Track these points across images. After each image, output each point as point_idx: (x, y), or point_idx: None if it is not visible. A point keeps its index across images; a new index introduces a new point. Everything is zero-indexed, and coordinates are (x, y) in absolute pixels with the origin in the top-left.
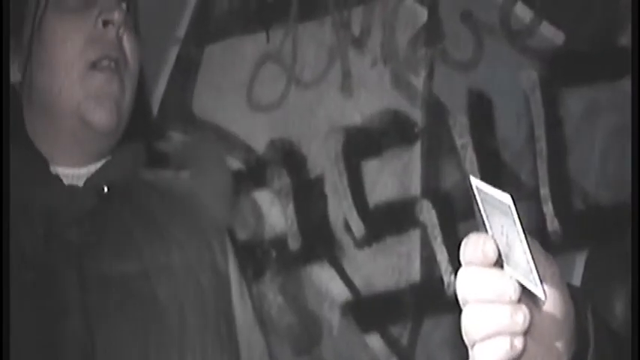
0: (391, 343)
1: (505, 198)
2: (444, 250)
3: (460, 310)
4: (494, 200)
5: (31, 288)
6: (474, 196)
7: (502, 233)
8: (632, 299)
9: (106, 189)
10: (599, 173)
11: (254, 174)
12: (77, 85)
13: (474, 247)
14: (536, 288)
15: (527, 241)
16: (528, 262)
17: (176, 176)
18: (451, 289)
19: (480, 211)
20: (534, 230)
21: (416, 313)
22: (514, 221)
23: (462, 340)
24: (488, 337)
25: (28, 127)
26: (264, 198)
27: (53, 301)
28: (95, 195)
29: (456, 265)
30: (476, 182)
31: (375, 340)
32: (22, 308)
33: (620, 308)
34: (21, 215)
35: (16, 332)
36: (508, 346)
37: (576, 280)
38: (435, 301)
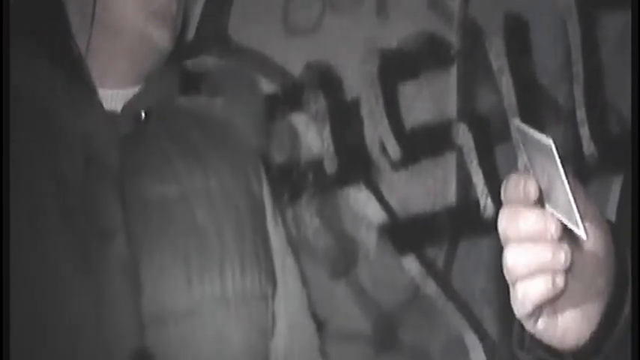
0: (427, 265)
1: (546, 139)
2: (480, 172)
3: (497, 237)
4: (534, 141)
5: (73, 213)
6: (515, 137)
7: (543, 173)
8: (633, 299)
9: (143, 114)
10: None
11: (290, 97)
12: (142, 1)
13: (515, 187)
14: (577, 227)
15: (568, 181)
16: (570, 202)
17: (210, 102)
18: (487, 211)
19: (520, 151)
20: (571, 153)
21: (452, 235)
22: (555, 162)
23: (499, 265)
24: (530, 274)
25: (80, 44)
26: (300, 121)
27: (96, 226)
28: (133, 120)
29: (492, 187)
30: (517, 124)
31: (411, 263)
32: (64, 232)
33: None
34: (61, 139)
35: (60, 256)
36: (550, 284)
37: (612, 204)
38: (471, 223)
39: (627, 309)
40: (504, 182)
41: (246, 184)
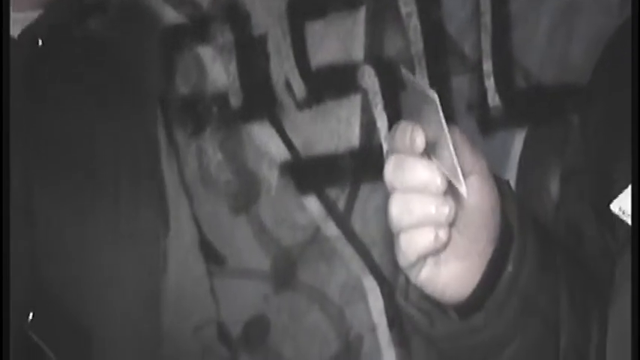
0: (328, 206)
1: (431, 93)
2: (385, 117)
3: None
4: (420, 93)
5: None
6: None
7: (429, 125)
8: (632, 298)
9: (40, 42)
10: (543, 52)
11: (198, 29)
12: None
13: (402, 135)
14: (459, 183)
15: (451, 136)
16: (452, 158)
17: (106, 36)
18: None
19: (408, 102)
20: (475, 104)
21: (354, 178)
22: (439, 116)
23: None
24: (414, 226)
25: None
26: (206, 53)
27: None
28: (30, 48)
29: None
30: (404, 73)
31: (312, 202)
32: None
33: (554, 188)
34: None
35: None
36: (432, 237)
37: (514, 158)
38: (373, 167)
39: (510, 267)
40: (392, 129)
41: (143, 123)
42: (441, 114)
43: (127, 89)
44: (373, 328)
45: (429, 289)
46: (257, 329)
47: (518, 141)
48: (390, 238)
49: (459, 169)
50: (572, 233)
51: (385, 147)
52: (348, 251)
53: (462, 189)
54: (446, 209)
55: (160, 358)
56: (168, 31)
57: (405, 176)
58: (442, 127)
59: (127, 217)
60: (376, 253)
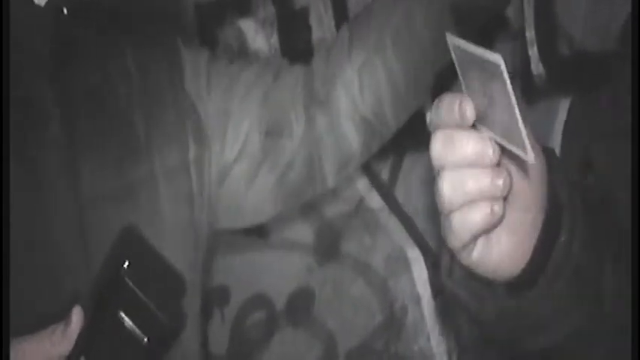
0: (372, 177)
1: (494, 57)
2: None
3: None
4: (477, 59)
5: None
6: (452, 55)
7: (483, 93)
8: (632, 298)
9: (65, 10)
10: (586, 19)
11: (239, 2)
12: None
13: (449, 108)
14: (523, 151)
15: (517, 102)
16: (518, 124)
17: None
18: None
19: (457, 70)
20: (519, 73)
21: (397, 149)
22: (503, 80)
23: None
24: (467, 203)
25: None
26: (248, 27)
27: (31, 114)
28: (56, 15)
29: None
30: (454, 40)
31: (355, 174)
32: None
33: (596, 155)
34: None
35: None
36: (488, 211)
37: (559, 126)
38: (416, 138)
39: (563, 236)
40: (435, 103)
41: (169, 74)
42: (507, 77)
43: (150, 43)
44: (417, 299)
45: (480, 269)
46: (301, 301)
47: (562, 109)
48: (434, 208)
49: (525, 135)
50: (607, 199)
51: (429, 120)
52: (391, 222)
53: (528, 156)
54: (500, 181)
55: None
56: (210, 5)
57: (456, 151)
58: (507, 91)
59: (159, 155)
60: (420, 224)
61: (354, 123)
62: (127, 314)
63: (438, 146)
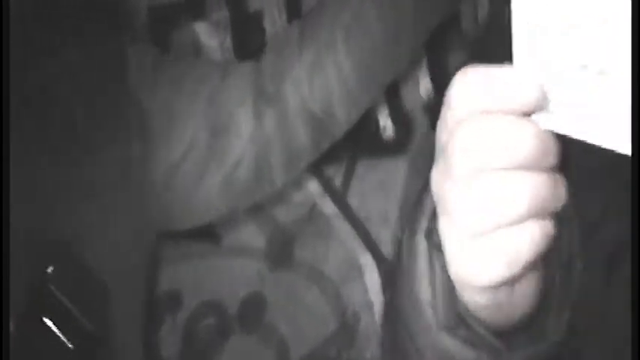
0: (325, 183)
1: None
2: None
3: (397, 158)
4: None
5: None
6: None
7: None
8: (633, 298)
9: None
10: None
11: (193, 5)
12: None
13: (489, 85)
14: (617, 140)
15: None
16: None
17: None
18: (386, 132)
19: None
20: None
21: (351, 154)
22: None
23: (397, 186)
24: (514, 222)
25: None
26: (202, 29)
27: None
28: None
29: (392, 107)
30: None
31: (308, 179)
32: None
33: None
34: None
35: None
36: (541, 232)
37: None
38: (371, 143)
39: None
40: (459, 78)
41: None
42: None
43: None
44: (370, 307)
45: (494, 314)
46: (253, 307)
47: None
48: (385, 214)
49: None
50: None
51: (382, 122)
52: (345, 228)
53: (624, 146)
54: (562, 189)
55: None
56: (164, 7)
57: (509, 149)
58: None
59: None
60: (373, 231)
61: (304, 120)
62: (52, 321)
63: (473, 141)
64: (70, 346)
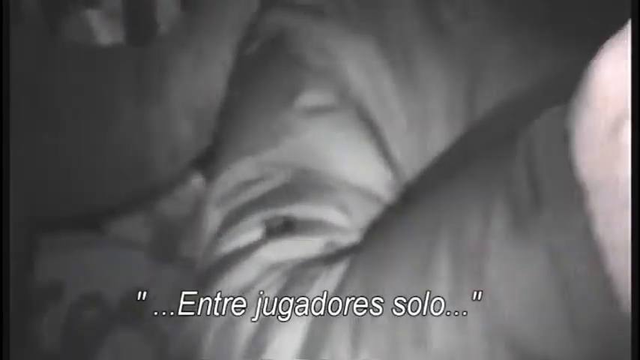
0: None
1: None
2: None
3: None
4: None
5: None
6: None
7: None
8: (632, 299)
9: None
10: None
11: None
12: None
13: None
14: None
15: None
16: None
17: None
18: None
19: None
20: None
21: None
22: None
23: None
24: None
25: None
26: (94, 18)
27: None
28: None
29: None
30: None
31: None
32: None
33: None
34: None
35: None
36: None
37: None
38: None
39: None
40: (603, 54)
41: None
42: None
43: None
44: None
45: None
46: (135, 302)
47: None
48: None
49: None
50: None
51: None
52: None
53: None
54: None
55: None
56: None
57: None
58: None
59: None
60: None
61: (187, 113)
62: None
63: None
64: None
